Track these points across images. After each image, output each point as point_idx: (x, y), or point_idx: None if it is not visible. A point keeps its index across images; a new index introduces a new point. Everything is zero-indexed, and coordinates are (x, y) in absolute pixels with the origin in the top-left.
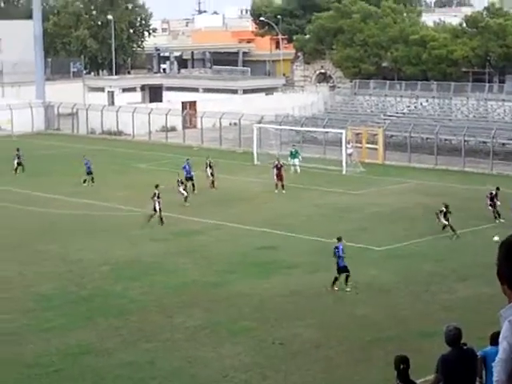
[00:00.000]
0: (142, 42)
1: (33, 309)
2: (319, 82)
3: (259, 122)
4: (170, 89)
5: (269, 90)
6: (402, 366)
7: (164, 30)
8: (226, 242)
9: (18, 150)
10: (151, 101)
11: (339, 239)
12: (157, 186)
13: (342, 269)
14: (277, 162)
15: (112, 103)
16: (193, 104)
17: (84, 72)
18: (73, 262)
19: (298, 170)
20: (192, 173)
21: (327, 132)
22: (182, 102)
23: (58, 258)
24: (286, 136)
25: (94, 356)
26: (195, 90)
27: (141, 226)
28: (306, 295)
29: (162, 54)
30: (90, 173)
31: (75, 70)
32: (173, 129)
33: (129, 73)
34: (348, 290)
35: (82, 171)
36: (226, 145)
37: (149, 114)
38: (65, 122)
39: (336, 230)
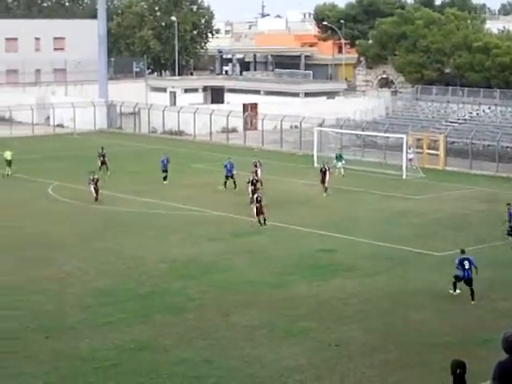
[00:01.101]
0: (205, 43)
1: (91, 304)
2: (381, 87)
3: (320, 126)
4: (231, 90)
5: (330, 94)
6: (458, 371)
7: (227, 32)
8: (285, 243)
9: (102, 148)
10: (213, 102)
11: (463, 251)
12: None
13: (467, 280)
14: (322, 166)
15: (174, 103)
16: (254, 106)
17: (147, 72)
18: (131, 259)
19: (343, 172)
20: (233, 172)
21: (388, 137)
22: (244, 104)
23: (118, 254)
24: (346, 140)
25: (150, 352)
26: (257, 92)
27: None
28: (363, 298)
29: (224, 56)
30: (165, 171)
31: (138, 69)
32: (234, 130)
33: (191, 74)
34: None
35: (142, 170)
36: (287, 147)
37: (210, 114)
38: (127, 120)
39: (395, 235)
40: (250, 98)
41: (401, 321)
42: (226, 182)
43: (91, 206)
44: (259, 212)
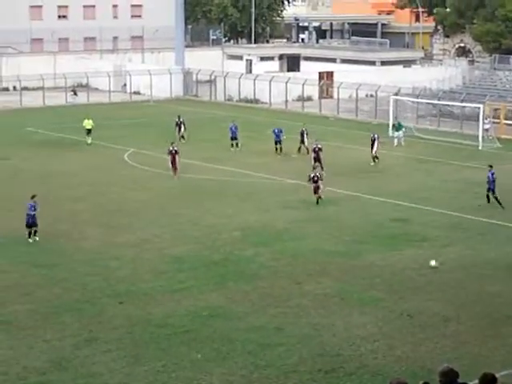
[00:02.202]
0: (282, 11)
1: (166, 270)
2: (458, 56)
3: (396, 94)
4: (307, 59)
5: (407, 63)
6: None
7: None
8: (359, 212)
9: (179, 117)
10: (288, 70)
11: None
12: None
13: None
14: (372, 135)
15: (250, 71)
16: (330, 74)
17: (223, 40)
18: (206, 227)
19: (402, 143)
20: (281, 137)
21: (464, 106)
22: (319, 72)
23: (192, 221)
24: (422, 109)
25: (223, 319)
26: (333, 60)
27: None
28: (436, 269)
29: (301, 24)
30: (234, 138)
31: (214, 37)
32: (309, 98)
33: (267, 42)
34: None
35: (218, 137)
36: (362, 116)
37: (286, 83)
38: (202, 88)
39: (470, 205)
40: (325, 67)
41: (474, 292)
42: (281, 149)
43: (167, 173)
44: (315, 191)
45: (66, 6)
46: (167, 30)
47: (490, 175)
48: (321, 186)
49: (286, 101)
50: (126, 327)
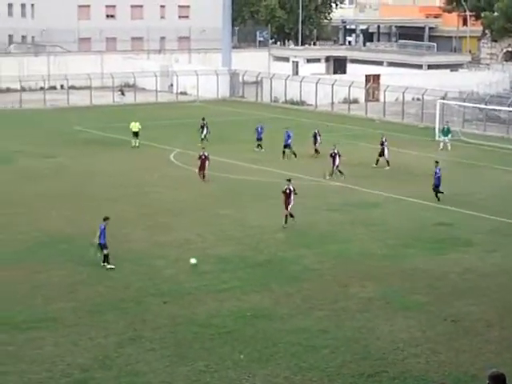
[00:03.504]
0: (329, 13)
1: (209, 271)
2: (506, 61)
3: (443, 98)
4: (354, 61)
5: (454, 67)
6: None
7: (351, 2)
8: (402, 215)
9: (203, 119)
10: (335, 72)
11: None
12: None
13: None
14: (381, 139)
15: (296, 73)
16: (376, 77)
17: (270, 41)
18: (250, 227)
19: (449, 147)
20: (289, 141)
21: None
22: (366, 75)
23: (236, 222)
24: (469, 113)
25: (266, 320)
26: (379, 63)
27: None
28: (480, 274)
29: (348, 27)
30: (259, 139)
31: (261, 39)
32: (355, 101)
33: (314, 44)
34: None
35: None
36: (408, 119)
37: (332, 85)
38: (249, 90)
39: None
40: (372, 69)
41: None
42: (294, 153)
43: (211, 174)
44: (286, 207)
45: (114, 6)
46: (214, 31)
47: (437, 171)
48: (291, 202)
49: (332, 103)
50: (170, 326)
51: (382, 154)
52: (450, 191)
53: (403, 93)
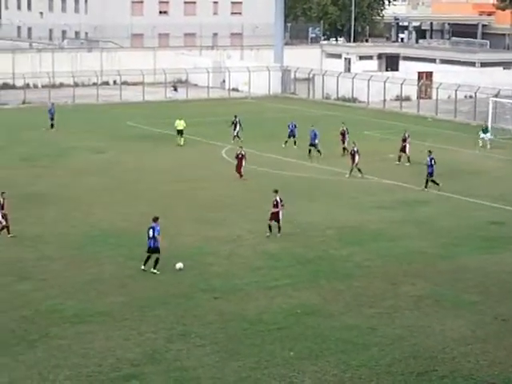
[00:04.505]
0: (382, 10)
1: (260, 267)
2: None
3: (496, 96)
4: (406, 58)
5: (507, 64)
6: None
7: None
8: (453, 214)
9: (235, 116)
10: (387, 69)
11: None
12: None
13: None
14: (404, 134)
15: (348, 70)
16: (429, 75)
17: (322, 38)
18: (300, 224)
19: (488, 146)
20: (316, 141)
21: None
22: (419, 72)
23: (287, 219)
24: None
25: (316, 317)
26: (432, 60)
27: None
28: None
29: (400, 24)
30: (292, 135)
31: (313, 35)
32: (407, 98)
33: (366, 41)
34: None
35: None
36: (460, 117)
37: (384, 82)
38: (300, 86)
39: None
40: (425, 67)
41: None
42: (319, 151)
43: (261, 170)
44: (276, 219)
45: (167, 2)
46: (266, 28)
47: (429, 160)
48: (281, 213)
49: (384, 100)
50: (220, 322)
51: (403, 150)
52: (502, 190)
53: (456, 90)
